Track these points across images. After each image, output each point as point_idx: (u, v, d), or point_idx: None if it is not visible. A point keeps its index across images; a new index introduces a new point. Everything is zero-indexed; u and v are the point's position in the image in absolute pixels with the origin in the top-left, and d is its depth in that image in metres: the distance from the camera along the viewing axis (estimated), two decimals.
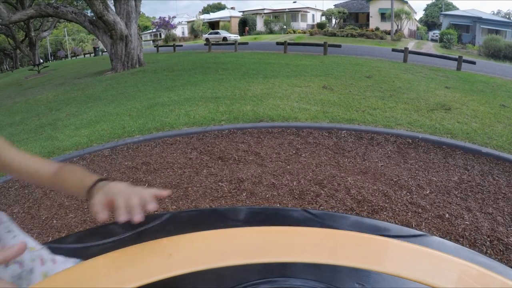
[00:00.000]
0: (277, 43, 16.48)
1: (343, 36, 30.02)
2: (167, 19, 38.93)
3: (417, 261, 0.62)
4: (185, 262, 0.62)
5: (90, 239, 0.84)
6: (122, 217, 0.65)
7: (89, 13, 16.88)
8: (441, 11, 38.01)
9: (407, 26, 33.71)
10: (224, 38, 30.22)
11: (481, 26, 29.64)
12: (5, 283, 0.54)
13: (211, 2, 58.66)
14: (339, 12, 37.02)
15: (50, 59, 46.39)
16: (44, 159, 0.89)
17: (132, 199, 0.67)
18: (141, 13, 14.89)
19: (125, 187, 0.71)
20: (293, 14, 38.97)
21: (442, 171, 3.58)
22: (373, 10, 34.97)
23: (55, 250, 0.81)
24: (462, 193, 3.13)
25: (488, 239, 2.47)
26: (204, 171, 3.70)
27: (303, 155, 4.01)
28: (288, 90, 7.03)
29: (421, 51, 17.51)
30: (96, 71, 13.69)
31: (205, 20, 42.65)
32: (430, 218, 2.73)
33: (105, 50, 14.31)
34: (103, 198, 0.69)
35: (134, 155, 4.34)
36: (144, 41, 40.95)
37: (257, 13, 40.47)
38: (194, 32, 41.69)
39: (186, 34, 43.76)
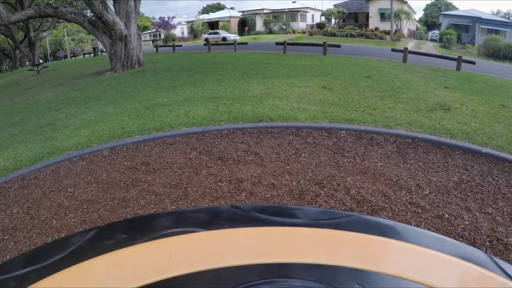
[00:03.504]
0: (277, 43, 16.47)
1: (342, 36, 29.97)
2: (166, 19, 38.88)
3: (417, 262, 0.62)
4: (184, 262, 0.62)
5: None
6: None
7: (88, 13, 16.87)
8: (441, 11, 38.02)
9: (407, 26, 33.68)
10: (224, 38, 30.15)
11: (481, 26, 29.64)
12: None
13: (210, 2, 58.63)
14: (338, 12, 36.98)
15: (49, 59, 46.31)
16: None
17: None
18: (140, 13, 14.88)
19: None
20: (293, 14, 38.92)
21: (441, 171, 3.58)
22: (373, 10, 34.93)
23: None
24: (462, 193, 3.13)
25: (488, 239, 2.47)
26: (204, 171, 3.70)
27: (303, 155, 4.01)
28: (288, 90, 7.03)
29: (420, 51, 17.51)
30: (96, 72, 13.68)
31: (205, 20, 42.55)
32: (429, 218, 2.73)
33: (105, 50, 14.30)
34: None
35: (134, 155, 4.34)
36: (143, 41, 40.90)
37: (256, 13, 40.42)
38: (194, 32, 41.63)
39: (186, 34, 43.68)
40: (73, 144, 4.87)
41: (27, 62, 40.95)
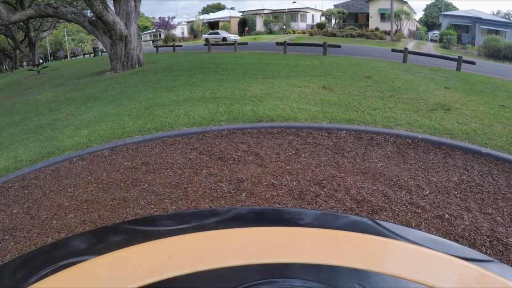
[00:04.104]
0: (277, 43, 16.46)
1: (342, 36, 29.97)
2: (166, 19, 38.87)
3: (417, 262, 0.62)
4: (185, 263, 0.62)
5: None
6: None
7: (88, 13, 16.88)
8: (441, 11, 38.01)
9: (407, 27, 33.67)
10: (224, 39, 30.14)
11: (481, 26, 29.64)
12: None
13: (210, 2, 58.72)
14: (338, 13, 36.98)
15: (49, 59, 46.30)
16: None
17: None
18: (140, 13, 14.87)
19: None
20: (293, 14, 38.92)
21: (441, 171, 3.58)
22: (373, 11, 34.93)
23: None
24: (462, 194, 3.13)
25: (488, 239, 2.47)
26: (204, 171, 3.70)
27: (303, 155, 4.01)
28: (288, 90, 7.03)
29: (420, 51, 17.50)
30: (96, 72, 13.68)
31: (205, 20, 42.53)
32: (429, 218, 2.73)
33: (105, 50, 14.30)
34: None
35: (134, 155, 4.34)
36: (143, 41, 40.90)
37: (256, 13, 40.43)
38: (194, 33, 41.63)
39: (186, 35, 43.70)
40: (73, 144, 4.87)
41: (25, 63, 40.95)
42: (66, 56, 45.07)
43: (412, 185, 3.26)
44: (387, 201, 2.97)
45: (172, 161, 4.02)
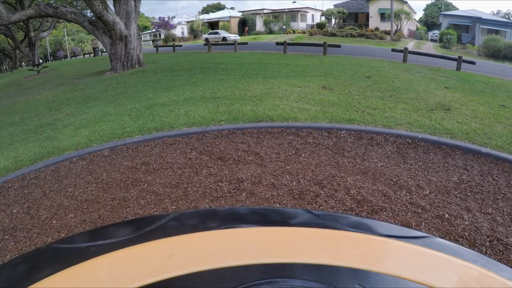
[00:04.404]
0: (277, 43, 16.46)
1: (342, 36, 29.96)
2: (166, 19, 38.85)
3: (417, 262, 0.62)
4: (185, 263, 0.62)
5: None
6: None
7: (88, 13, 16.88)
8: (441, 11, 38.02)
9: (407, 26, 33.67)
10: (224, 38, 30.15)
11: (481, 26, 29.65)
12: None
13: (210, 2, 58.79)
14: (338, 12, 36.99)
15: (49, 59, 46.28)
16: None
17: None
18: (140, 13, 14.87)
19: None
20: (293, 14, 38.93)
21: (441, 171, 3.58)
22: (373, 10, 34.94)
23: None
24: (462, 193, 3.13)
25: (488, 239, 2.47)
26: (204, 171, 3.70)
27: (303, 155, 4.01)
28: (288, 90, 7.03)
29: (420, 51, 17.49)
30: (96, 72, 13.68)
31: (205, 20, 42.51)
32: (429, 218, 2.73)
33: (105, 50, 14.29)
34: None
35: (134, 155, 4.33)
36: (143, 41, 40.90)
37: (256, 13, 40.44)
38: (194, 32, 41.64)
39: (186, 34, 43.72)
40: (73, 144, 4.87)
41: (23, 63, 40.90)
42: (66, 56, 45.06)
43: (412, 185, 3.26)
44: (387, 201, 2.98)
45: (172, 161, 4.02)
